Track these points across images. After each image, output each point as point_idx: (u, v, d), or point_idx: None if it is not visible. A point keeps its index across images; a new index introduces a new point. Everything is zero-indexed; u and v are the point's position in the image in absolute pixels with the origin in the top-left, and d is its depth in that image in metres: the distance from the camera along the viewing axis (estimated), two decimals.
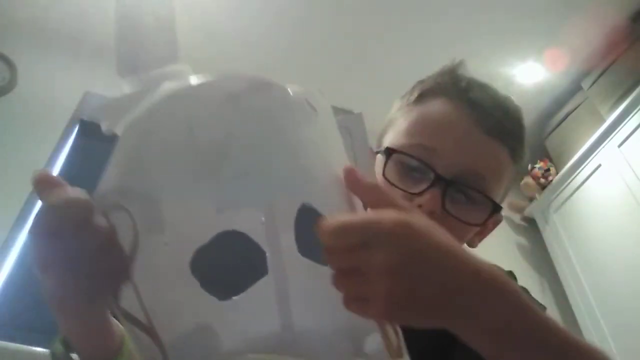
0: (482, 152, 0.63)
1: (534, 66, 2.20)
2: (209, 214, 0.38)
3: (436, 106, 0.66)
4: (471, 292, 0.35)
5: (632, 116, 1.95)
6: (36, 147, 1.82)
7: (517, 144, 0.70)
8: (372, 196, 0.39)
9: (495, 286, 0.36)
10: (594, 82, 2.15)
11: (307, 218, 0.40)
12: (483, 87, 0.71)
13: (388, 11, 2.01)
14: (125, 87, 0.40)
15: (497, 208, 0.63)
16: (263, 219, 0.43)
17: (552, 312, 2.22)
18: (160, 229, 0.37)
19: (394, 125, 0.70)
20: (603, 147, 2.06)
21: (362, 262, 0.34)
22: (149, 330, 0.36)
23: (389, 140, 0.68)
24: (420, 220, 0.36)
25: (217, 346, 0.39)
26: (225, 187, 0.33)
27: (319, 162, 0.37)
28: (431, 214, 0.58)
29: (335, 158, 0.39)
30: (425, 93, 0.68)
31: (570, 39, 2.11)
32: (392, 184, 0.62)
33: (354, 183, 0.38)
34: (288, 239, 0.42)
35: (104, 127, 0.38)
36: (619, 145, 1.99)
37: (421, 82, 0.71)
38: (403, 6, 2.00)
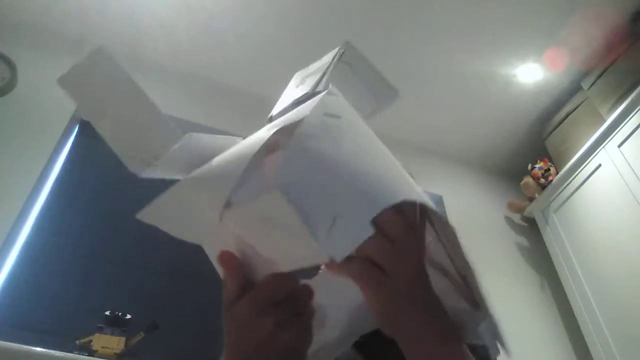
0: None
1: (534, 66, 2.20)
2: None
3: None
4: None
5: (632, 116, 1.95)
6: (36, 147, 1.82)
7: None
8: None
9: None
10: (594, 82, 2.15)
11: None
12: None
13: (388, 11, 2.01)
14: (146, 174, 0.41)
15: None
16: None
17: (552, 312, 2.23)
18: None
19: None
20: (603, 147, 2.06)
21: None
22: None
23: None
24: None
25: None
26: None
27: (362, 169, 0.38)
28: None
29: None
30: None
31: (570, 39, 2.11)
32: None
33: None
34: None
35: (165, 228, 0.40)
36: (619, 145, 1.99)
37: None
38: (403, 6, 2.00)
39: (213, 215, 0.37)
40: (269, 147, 0.38)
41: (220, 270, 0.41)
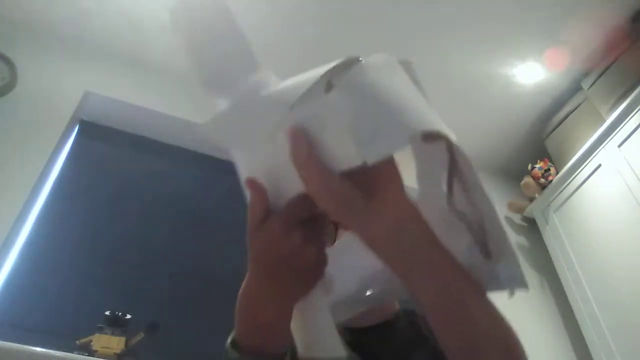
0: None
1: (534, 66, 2.20)
2: None
3: None
4: None
5: (632, 116, 1.95)
6: (36, 147, 1.82)
7: None
8: None
9: None
10: (594, 82, 2.15)
11: None
12: None
13: (387, 10, 2.01)
14: (220, 104, 0.46)
15: None
16: None
17: (552, 312, 2.23)
18: None
19: None
20: (603, 147, 2.06)
21: None
22: None
23: None
24: None
25: None
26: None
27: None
28: None
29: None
30: None
31: (570, 39, 2.11)
32: None
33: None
34: None
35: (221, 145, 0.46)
36: (619, 145, 2.00)
37: None
38: (402, 6, 2.00)
39: (270, 127, 0.43)
40: (335, 69, 0.42)
41: (247, 194, 0.46)
